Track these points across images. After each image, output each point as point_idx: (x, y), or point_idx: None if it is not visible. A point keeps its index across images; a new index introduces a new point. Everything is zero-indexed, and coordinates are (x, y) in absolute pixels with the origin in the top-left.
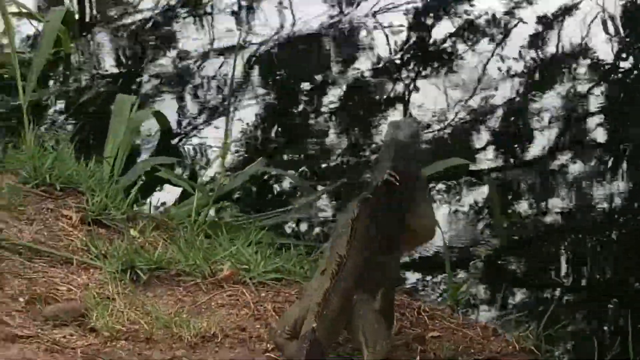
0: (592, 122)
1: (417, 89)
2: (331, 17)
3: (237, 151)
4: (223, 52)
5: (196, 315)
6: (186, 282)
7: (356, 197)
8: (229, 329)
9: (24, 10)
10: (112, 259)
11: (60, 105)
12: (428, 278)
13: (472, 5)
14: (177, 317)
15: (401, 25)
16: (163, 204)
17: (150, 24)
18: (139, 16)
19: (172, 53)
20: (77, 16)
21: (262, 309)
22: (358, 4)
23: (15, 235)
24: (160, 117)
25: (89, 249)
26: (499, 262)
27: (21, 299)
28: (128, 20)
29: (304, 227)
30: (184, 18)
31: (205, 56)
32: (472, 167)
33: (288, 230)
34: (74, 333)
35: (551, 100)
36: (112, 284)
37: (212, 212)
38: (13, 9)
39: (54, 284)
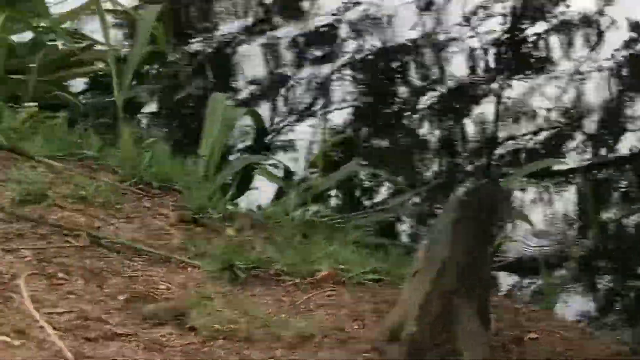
0: None
1: (510, 88)
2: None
3: (331, 151)
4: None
5: (295, 315)
6: (285, 281)
7: (454, 198)
8: (327, 330)
9: (118, 8)
10: (211, 258)
11: (155, 102)
12: (525, 280)
13: (567, 7)
14: (276, 317)
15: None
16: (258, 203)
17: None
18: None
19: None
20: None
21: (361, 310)
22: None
23: (114, 233)
24: (254, 115)
25: (187, 248)
26: (594, 262)
27: (120, 297)
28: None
29: (398, 227)
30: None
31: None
32: (566, 167)
33: (383, 230)
34: (172, 332)
35: None
36: (210, 283)
37: (308, 211)
38: (108, 5)
39: (153, 283)
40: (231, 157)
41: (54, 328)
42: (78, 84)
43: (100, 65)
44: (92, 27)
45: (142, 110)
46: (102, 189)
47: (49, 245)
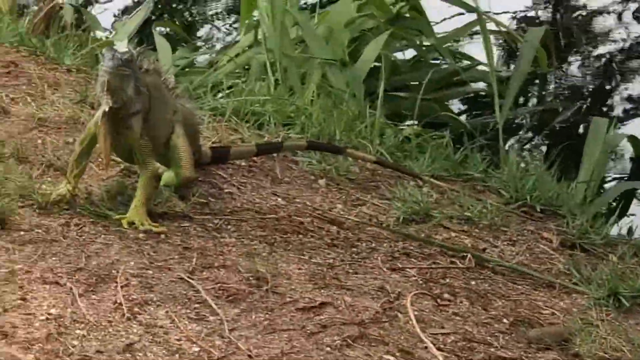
0: None
1: None
2: None
3: None
4: None
5: None
6: None
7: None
8: None
9: (502, 29)
10: (595, 284)
11: (536, 124)
12: None
13: None
14: None
15: None
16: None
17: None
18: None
19: None
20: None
21: None
22: None
23: (498, 255)
24: (634, 141)
25: (571, 273)
26: None
27: (505, 321)
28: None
29: None
30: None
31: None
32: None
33: None
34: (557, 357)
35: None
36: (595, 310)
37: None
38: (491, 26)
39: (537, 307)
40: (609, 182)
41: (439, 349)
42: (458, 103)
43: (482, 85)
44: (474, 47)
45: (523, 132)
46: (487, 210)
47: (435, 266)
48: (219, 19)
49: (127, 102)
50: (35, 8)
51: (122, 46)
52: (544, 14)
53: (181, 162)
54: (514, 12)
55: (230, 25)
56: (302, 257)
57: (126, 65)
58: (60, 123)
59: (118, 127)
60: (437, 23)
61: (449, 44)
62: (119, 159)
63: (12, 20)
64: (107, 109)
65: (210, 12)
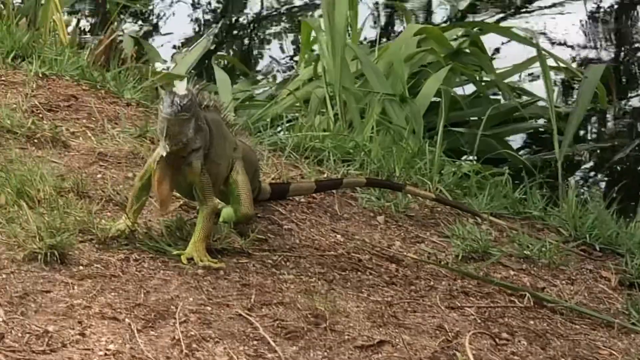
0: None
1: None
2: None
3: None
4: None
5: None
6: None
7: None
8: None
9: (561, 65)
10: None
11: (594, 161)
12: None
13: None
14: None
15: None
16: None
17: None
18: None
19: None
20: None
21: None
22: None
23: (557, 294)
24: None
25: (630, 313)
26: None
27: None
28: None
29: None
30: None
31: None
32: None
33: None
34: None
35: None
36: None
37: None
38: (551, 62)
39: (596, 347)
40: None
41: None
42: (517, 139)
43: (541, 121)
44: (534, 83)
45: (582, 169)
46: (546, 249)
47: (494, 305)
48: (278, 52)
49: (187, 143)
50: (96, 41)
51: (181, 87)
52: (605, 53)
53: (240, 199)
54: (574, 48)
55: (291, 59)
56: (361, 294)
57: (186, 110)
58: (120, 157)
59: (179, 166)
60: (498, 59)
61: (510, 80)
62: (178, 195)
63: (72, 53)
64: (164, 154)
65: (270, 45)
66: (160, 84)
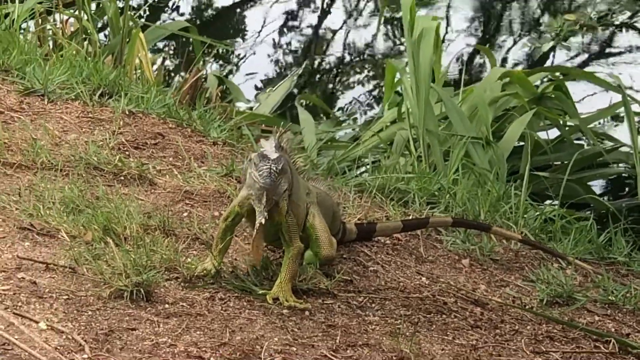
0: None
1: None
2: None
3: None
4: None
5: None
6: None
7: None
8: None
9: None
10: None
11: None
12: None
13: None
14: None
15: None
16: None
17: None
18: None
19: None
20: None
21: None
22: None
23: None
24: None
25: None
26: None
27: None
28: None
29: None
30: None
31: None
32: None
33: None
34: None
35: None
36: None
37: None
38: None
39: None
40: None
41: None
42: (597, 184)
43: (623, 167)
44: (619, 129)
45: None
46: (631, 295)
47: (579, 350)
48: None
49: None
50: (181, 79)
51: (269, 147)
52: None
53: (319, 242)
54: None
55: (374, 99)
56: (446, 337)
57: (282, 173)
58: (206, 196)
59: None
60: (579, 103)
61: (593, 125)
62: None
63: (159, 91)
64: (262, 222)
65: (351, 87)
66: (244, 123)
